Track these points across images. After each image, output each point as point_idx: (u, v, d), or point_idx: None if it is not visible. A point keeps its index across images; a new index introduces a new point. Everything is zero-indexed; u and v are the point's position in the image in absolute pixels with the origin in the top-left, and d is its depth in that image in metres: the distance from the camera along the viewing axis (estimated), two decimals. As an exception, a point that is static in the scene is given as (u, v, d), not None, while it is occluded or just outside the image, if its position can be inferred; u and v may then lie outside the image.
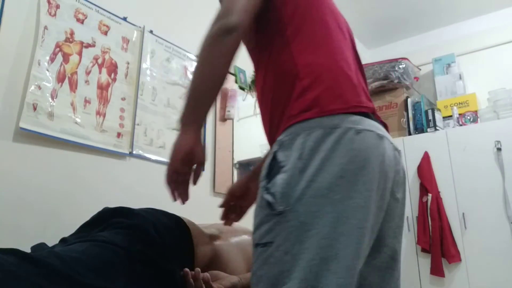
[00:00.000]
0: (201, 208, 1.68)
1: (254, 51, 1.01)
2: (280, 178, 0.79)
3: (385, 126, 0.93)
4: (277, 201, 0.77)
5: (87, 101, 1.55)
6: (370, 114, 0.87)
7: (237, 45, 0.87)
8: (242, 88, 2.41)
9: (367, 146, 0.79)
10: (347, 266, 0.72)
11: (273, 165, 0.82)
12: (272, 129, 0.90)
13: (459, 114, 3.29)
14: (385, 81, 3.48)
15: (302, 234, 0.74)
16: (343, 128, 0.79)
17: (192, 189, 0.94)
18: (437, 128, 3.22)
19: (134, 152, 1.70)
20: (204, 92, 0.88)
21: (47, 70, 1.43)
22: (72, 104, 1.49)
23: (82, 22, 1.59)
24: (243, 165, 2.31)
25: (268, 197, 0.79)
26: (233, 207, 1.15)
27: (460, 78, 3.47)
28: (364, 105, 0.85)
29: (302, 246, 0.73)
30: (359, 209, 0.75)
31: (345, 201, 0.75)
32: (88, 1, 1.63)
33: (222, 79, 0.88)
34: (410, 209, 3.15)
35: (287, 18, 0.93)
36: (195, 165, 0.92)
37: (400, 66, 3.43)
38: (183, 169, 0.91)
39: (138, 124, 1.75)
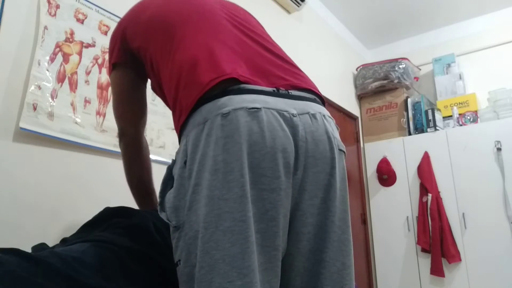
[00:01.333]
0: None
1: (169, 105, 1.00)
2: (170, 193, 0.77)
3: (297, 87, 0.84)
4: (170, 217, 0.75)
5: (87, 101, 1.55)
6: (247, 83, 0.77)
7: (128, 147, 1.06)
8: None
9: (236, 127, 0.72)
10: (236, 266, 0.66)
11: (166, 180, 0.81)
12: None
13: (459, 114, 3.29)
14: (385, 81, 3.48)
15: (198, 244, 0.70)
16: (211, 118, 0.73)
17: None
18: (437, 128, 3.22)
19: (134, 152, 1.70)
20: (130, 187, 1.10)
21: (47, 70, 1.43)
22: (72, 104, 1.49)
23: (82, 22, 1.59)
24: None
25: (163, 215, 0.77)
26: None
27: (460, 78, 3.47)
28: (226, 75, 0.76)
29: (197, 258, 0.69)
30: (239, 200, 0.68)
31: (225, 196, 0.69)
32: (88, 1, 1.63)
33: (131, 177, 1.08)
34: (410, 209, 3.15)
35: (148, 56, 0.92)
36: None
37: (400, 66, 3.44)
38: None
39: (138, 124, 1.74)
